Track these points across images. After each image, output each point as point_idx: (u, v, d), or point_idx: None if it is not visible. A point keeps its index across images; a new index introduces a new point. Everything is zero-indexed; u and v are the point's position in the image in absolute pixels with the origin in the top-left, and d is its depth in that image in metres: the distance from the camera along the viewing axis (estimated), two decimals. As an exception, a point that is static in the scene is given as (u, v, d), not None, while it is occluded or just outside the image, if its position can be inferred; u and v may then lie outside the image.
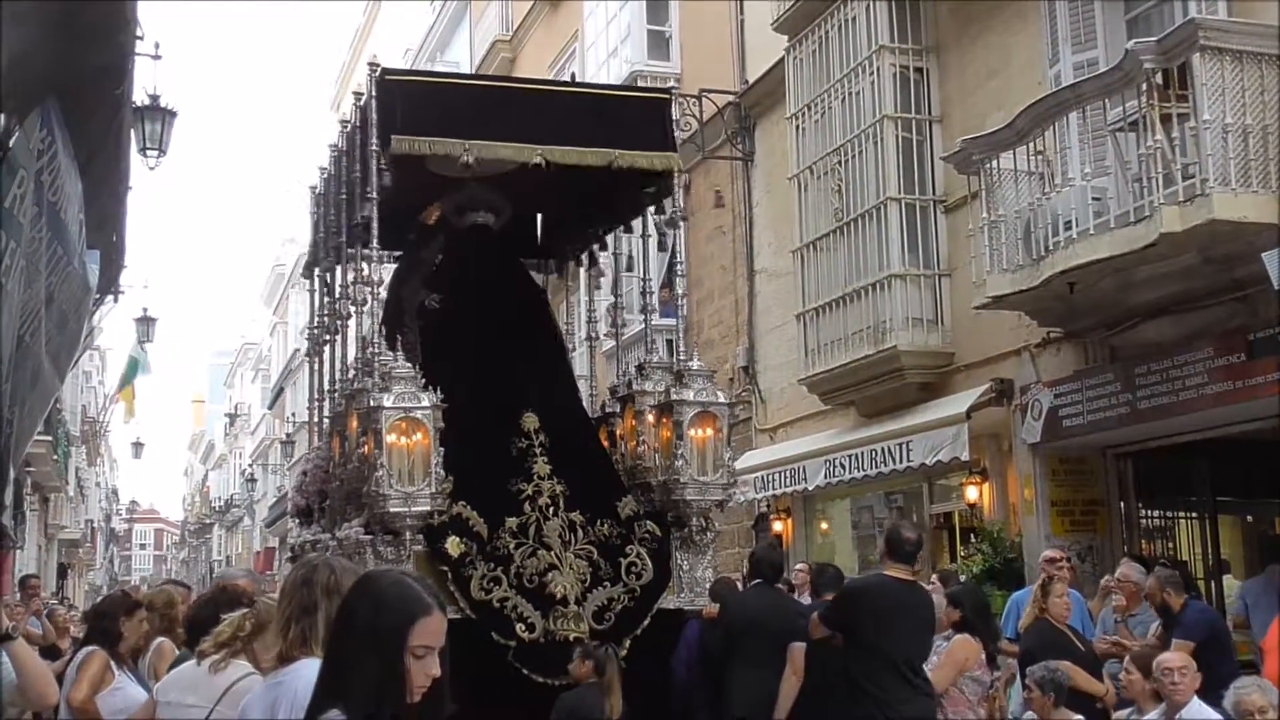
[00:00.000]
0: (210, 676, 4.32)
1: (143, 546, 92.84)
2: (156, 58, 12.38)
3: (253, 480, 51.80)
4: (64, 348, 11.28)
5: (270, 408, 50.06)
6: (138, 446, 50.97)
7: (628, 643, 7.94)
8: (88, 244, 10.56)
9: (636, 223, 10.18)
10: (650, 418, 8.67)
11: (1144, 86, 8.90)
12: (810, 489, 14.18)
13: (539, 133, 8.33)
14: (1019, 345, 11.48)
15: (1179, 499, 11.82)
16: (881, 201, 12.62)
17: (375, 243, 8.36)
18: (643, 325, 17.65)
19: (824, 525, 15.97)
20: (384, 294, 9.70)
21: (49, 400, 12.40)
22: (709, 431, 8.37)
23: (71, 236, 9.32)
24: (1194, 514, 11.78)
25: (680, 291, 10.55)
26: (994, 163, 10.65)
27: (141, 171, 13.02)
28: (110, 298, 16.15)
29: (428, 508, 7.63)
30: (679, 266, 10.58)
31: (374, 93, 8.25)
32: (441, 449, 7.64)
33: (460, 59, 28.74)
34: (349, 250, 9.07)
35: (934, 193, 12.70)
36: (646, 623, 8.06)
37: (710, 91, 16.55)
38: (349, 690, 2.79)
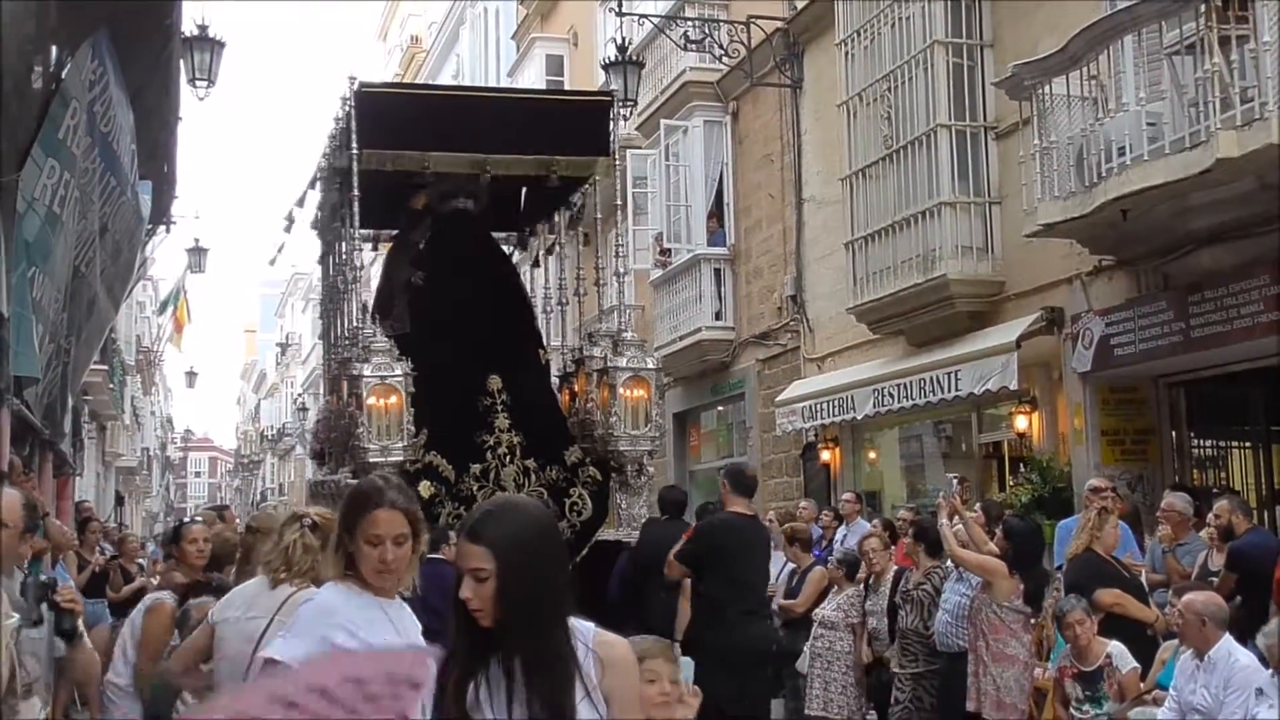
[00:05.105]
0: (270, 591, 4.53)
1: (197, 474, 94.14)
2: (204, -13, 12.40)
3: (304, 409, 52.22)
4: (118, 277, 11.44)
5: (320, 337, 50.39)
6: (191, 376, 51.50)
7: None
8: (139, 175, 10.68)
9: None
10: (594, 380, 9.93)
11: (1202, 8, 8.74)
12: (858, 418, 14.18)
13: (490, 142, 9.65)
14: (1070, 273, 11.39)
15: (1232, 428, 11.73)
16: (931, 128, 12.49)
17: (357, 235, 9.84)
18: (689, 254, 17.76)
19: (872, 454, 15.98)
20: (378, 271, 11.28)
21: (104, 329, 12.57)
22: (640, 392, 9.61)
23: (124, 167, 9.43)
24: (1247, 443, 11.69)
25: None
26: (1047, 88, 10.51)
27: (191, 102, 13.19)
28: (162, 228, 16.29)
29: (401, 458, 8.83)
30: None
31: (353, 103, 9.50)
32: (412, 409, 8.86)
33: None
34: (341, 231, 10.45)
35: (985, 119, 12.55)
36: (585, 552, 9.22)
37: (758, 18, 16.38)
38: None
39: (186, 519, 9.64)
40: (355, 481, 8.85)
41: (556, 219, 11.57)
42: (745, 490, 8.42)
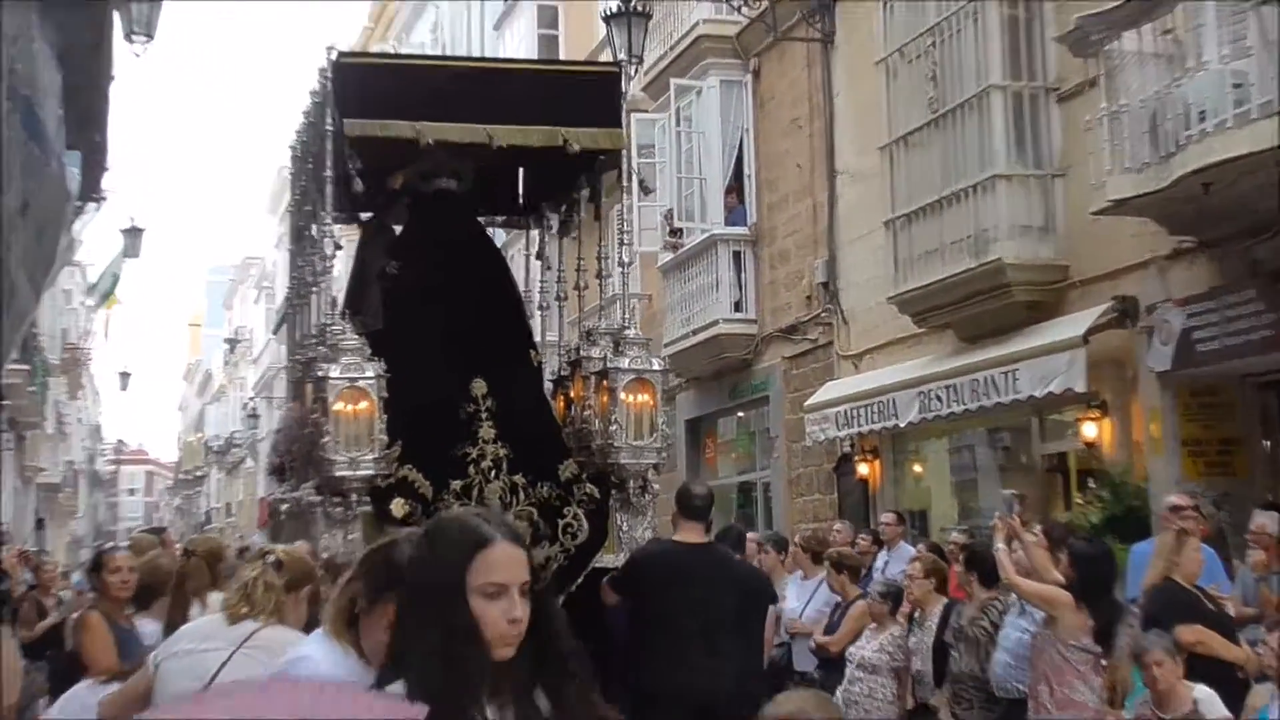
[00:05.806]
0: (227, 627, 4.65)
1: (131, 492, 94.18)
2: (139, -70, 12.48)
3: (255, 415, 52.39)
4: (41, 262, 11.48)
5: (275, 332, 50.48)
6: (125, 377, 51.77)
7: (561, 599, 8.92)
8: (67, 144, 10.75)
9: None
10: (592, 383, 9.98)
11: (1296, -50, 8.80)
12: (901, 425, 14.24)
13: (488, 112, 9.63)
14: (1145, 257, 11.44)
15: (1332, 437, 11.78)
16: (983, 90, 12.55)
17: (330, 220, 9.92)
18: (704, 234, 17.81)
19: (917, 468, 16.05)
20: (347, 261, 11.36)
21: (24, 322, 12.63)
22: (644, 398, 9.65)
23: (49, 135, 9.49)
24: (1350, 454, 11.74)
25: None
26: (1116, 44, 10.56)
27: (128, 60, 13.31)
28: (93, 204, 16.37)
29: (372, 471, 8.87)
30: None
31: (331, 76, 9.55)
32: (385, 416, 8.91)
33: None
34: (314, 215, 10.53)
35: (1045, 79, 12.61)
36: (580, 581, 9.18)
37: (784, -40, 16.45)
38: (410, 661, 2.84)
39: (110, 545, 9.71)
40: (318, 499, 9.01)
41: (567, 200, 11.67)
42: (695, 514, 8.47)
